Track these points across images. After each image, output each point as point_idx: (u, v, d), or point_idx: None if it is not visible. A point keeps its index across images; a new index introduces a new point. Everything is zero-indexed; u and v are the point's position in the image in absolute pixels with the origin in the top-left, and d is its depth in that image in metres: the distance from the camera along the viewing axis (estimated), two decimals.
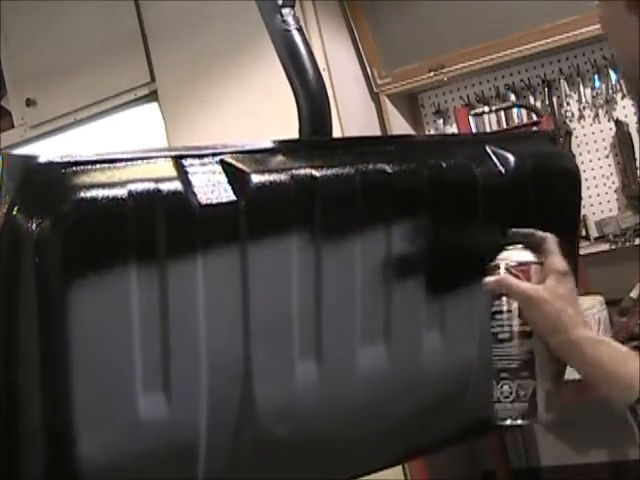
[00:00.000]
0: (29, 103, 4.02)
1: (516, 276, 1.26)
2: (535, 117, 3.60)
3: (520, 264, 1.27)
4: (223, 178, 1.19)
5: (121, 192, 1.07)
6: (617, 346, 1.23)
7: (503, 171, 1.51)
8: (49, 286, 1.05)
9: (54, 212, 1.03)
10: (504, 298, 1.26)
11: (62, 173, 1.05)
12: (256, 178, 1.22)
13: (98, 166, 1.08)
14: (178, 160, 1.16)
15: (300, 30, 1.45)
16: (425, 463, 3.38)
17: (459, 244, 1.47)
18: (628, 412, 1.16)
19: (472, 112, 3.65)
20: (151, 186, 1.10)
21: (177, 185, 1.13)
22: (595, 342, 1.23)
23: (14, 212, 1.03)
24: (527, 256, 1.29)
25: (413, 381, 1.46)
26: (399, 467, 3.31)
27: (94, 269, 1.06)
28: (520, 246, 1.30)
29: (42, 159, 1.05)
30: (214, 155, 1.21)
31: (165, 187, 1.11)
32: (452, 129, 3.80)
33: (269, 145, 1.31)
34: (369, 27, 3.69)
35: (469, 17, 3.52)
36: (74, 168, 1.06)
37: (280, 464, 1.33)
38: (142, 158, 1.14)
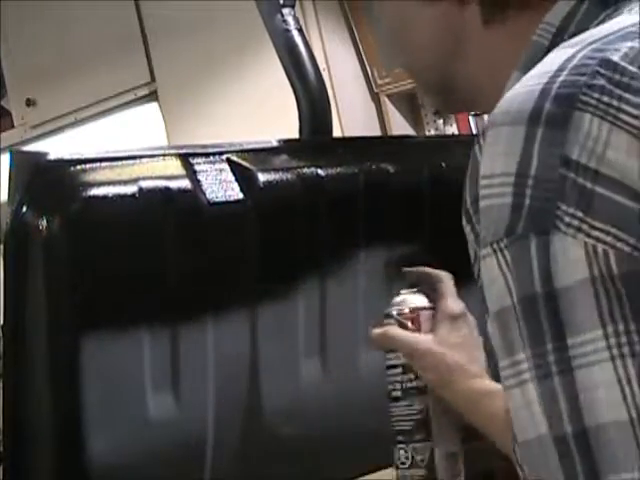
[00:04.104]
0: (29, 103, 4.01)
1: (404, 325, 1.11)
2: None
3: (410, 311, 1.12)
4: (230, 176, 1.19)
5: (131, 189, 1.07)
6: None
7: None
8: (58, 284, 1.05)
9: (64, 210, 1.03)
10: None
11: (72, 170, 1.05)
12: (263, 177, 1.22)
13: (107, 164, 1.08)
14: (186, 158, 1.17)
15: (300, 30, 1.45)
16: None
17: (458, 243, 1.47)
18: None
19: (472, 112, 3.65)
20: (161, 184, 1.10)
21: (186, 183, 1.13)
22: (488, 394, 1.05)
23: (23, 210, 1.03)
24: (419, 301, 1.13)
25: None
26: None
27: (103, 266, 1.07)
28: (416, 289, 1.15)
29: (52, 156, 1.05)
30: (220, 154, 1.22)
31: (175, 185, 1.12)
32: (452, 129, 3.80)
33: (274, 144, 1.32)
34: (369, 27, 3.69)
35: None
36: (84, 165, 1.06)
37: (285, 463, 1.33)
38: (150, 156, 1.14)
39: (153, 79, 3.78)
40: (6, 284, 1.04)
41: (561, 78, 0.63)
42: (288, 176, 1.26)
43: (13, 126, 4.11)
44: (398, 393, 1.10)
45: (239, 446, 1.24)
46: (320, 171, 1.29)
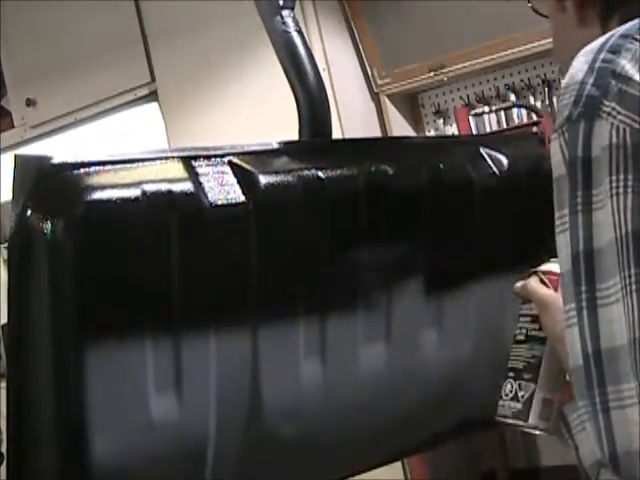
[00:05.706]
0: (29, 103, 4.01)
1: (544, 283, 1.23)
2: (535, 117, 3.60)
3: (551, 273, 1.24)
4: (232, 179, 1.20)
5: (134, 193, 1.07)
6: None
7: (497, 172, 1.53)
8: (61, 286, 1.05)
9: (67, 213, 1.04)
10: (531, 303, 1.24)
11: (75, 174, 1.06)
12: (264, 179, 1.23)
13: (110, 167, 1.09)
14: (188, 161, 1.17)
15: (300, 32, 1.45)
16: (425, 463, 3.38)
17: (456, 244, 1.48)
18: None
19: (472, 112, 3.64)
20: (164, 187, 1.10)
21: (189, 186, 1.14)
22: None
23: (27, 213, 1.03)
24: None
25: (412, 379, 1.47)
26: (399, 467, 3.32)
27: (107, 268, 1.07)
28: None
29: (55, 160, 1.05)
30: (222, 156, 1.22)
31: (177, 188, 1.12)
32: (452, 129, 3.80)
33: (274, 146, 1.32)
34: (369, 27, 3.69)
35: (469, 17, 3.52)
36: (87, 169, 1.06)
37: (286, 464, 1.34)
38: (153, 159, 1.15)
39: (153, 79, 3.77)
40: (10, 286, 1.05)
41: (623, 31, 0.91)
42: (289, 178, 1.26)
43: (13, 126, 4.11)
44: (522, 337, 1.23)
45: (240, 448, 1.24)
46: (320, 173, 1.29)
